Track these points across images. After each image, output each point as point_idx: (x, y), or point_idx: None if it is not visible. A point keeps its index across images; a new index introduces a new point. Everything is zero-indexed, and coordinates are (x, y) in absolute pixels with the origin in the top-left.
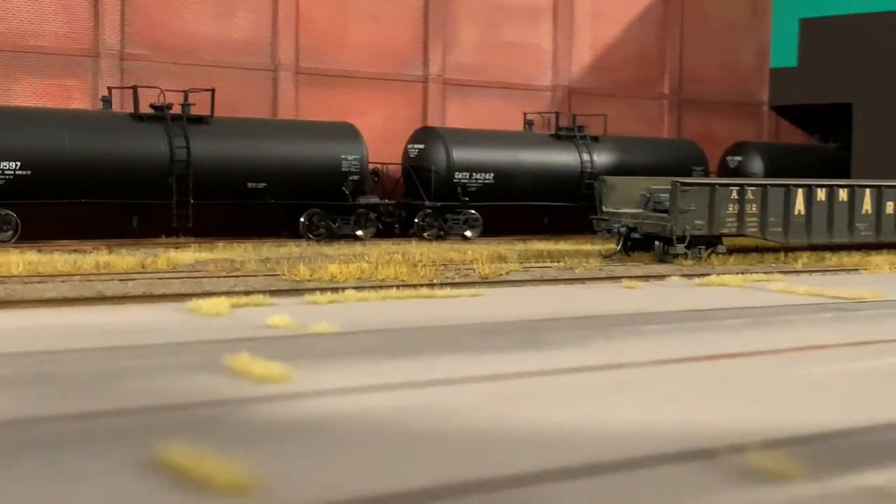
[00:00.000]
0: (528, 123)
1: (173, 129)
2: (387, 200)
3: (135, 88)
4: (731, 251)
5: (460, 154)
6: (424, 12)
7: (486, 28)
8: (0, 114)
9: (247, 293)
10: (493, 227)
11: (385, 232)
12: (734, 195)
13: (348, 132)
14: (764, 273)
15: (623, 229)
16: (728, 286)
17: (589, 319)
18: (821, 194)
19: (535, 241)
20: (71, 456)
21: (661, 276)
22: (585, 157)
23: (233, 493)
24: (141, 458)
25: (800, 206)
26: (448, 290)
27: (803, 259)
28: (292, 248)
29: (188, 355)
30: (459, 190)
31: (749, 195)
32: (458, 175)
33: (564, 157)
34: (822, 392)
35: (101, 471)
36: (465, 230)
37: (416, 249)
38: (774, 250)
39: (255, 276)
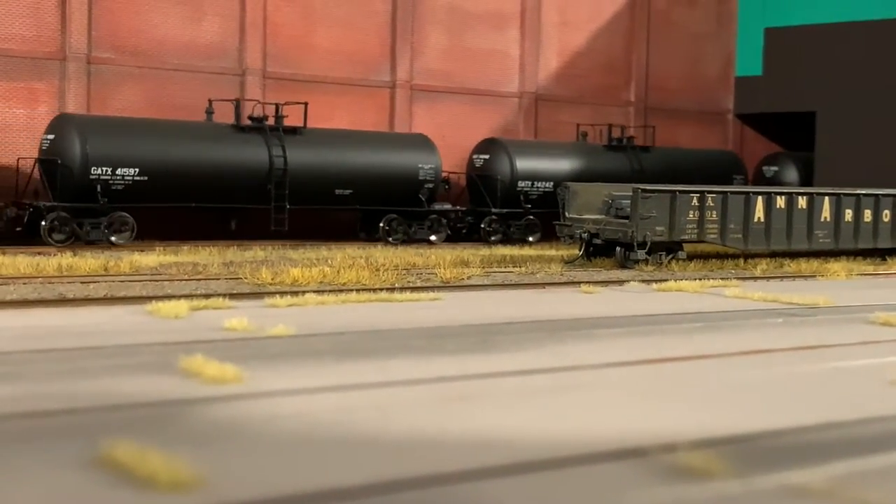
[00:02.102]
0: (583, 135)
1: (271, 139)
2: (457, 207)
3: (237, 102)
4: (692, 257)
5: (523, 164)
6: (392, 18)
7: (453, 34)
8: (122, 125)
9: (207, 296)
10: (551, 232)
11: (453, 236)
12: (694, 202)
13: (424, 143)
14: (722, 279)
15: (585, 235)
16: (685, 291)
17: (542, 323)
18: (780, 202)
19: (501, 247)
20: (15, 452)
21: (620, 282)
22: (636, 166)
23: (174, 490)
24: (86, 455)
25: (759, 213)
26: (407, 294)
27: (762, 265)
28: (257, 252)
29: (143, 356)
30: (522, 198)
31: (709, 202)
32: (520, 184)
33: (616, 167)
34: (760, 394)
35: (44, 467)
36: (528, 236)
37: (380, 254)
38: (735, 257)
39: (217, 279)
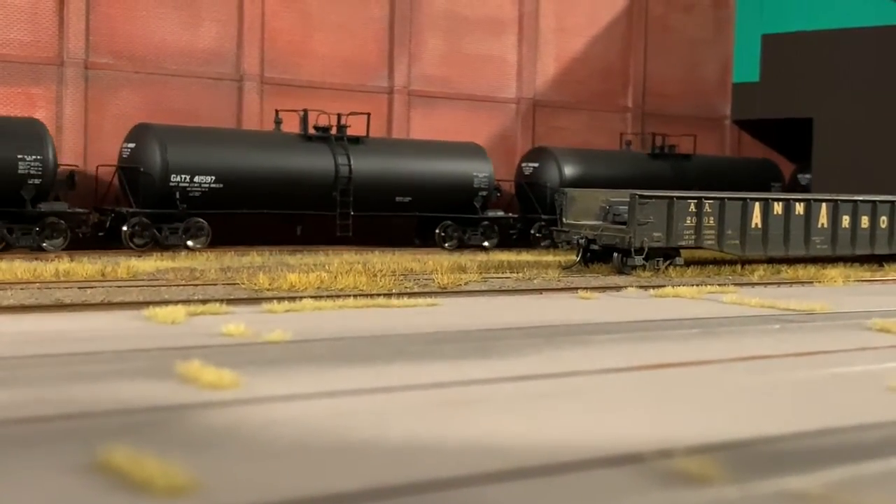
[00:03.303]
0: (627, 143)
1: (336, 148)
2: (509, 214)
3: (305, 112)
4: (689, 263)
5: (571, 171)
6: (389, 24)
7: (451, 40)
8: (198, 134)
9: (204, 302)
10: None
11: (502, 242)
12: (692, 208)
13: (477, 151)
14: (719, 285)
15: (583, 241)
16: (682, 297)
17: (540, 329)
18: (777, 208)
19: (498, 252)
20: (12, 457)
21: (617, 288)
22: (679, 174)
23: (171, 495)
24: (83, 460)
25: (757, 219)
26: (405, 300)
27: (759, 272)
28: (254, 258)
29: (140, 362)
30: None
31: (707, 208)
32: None
33: (660, 174)
34: (757, 400)
35: (42, 471)
36: None
37: (377, 259)
38: (732, 263)
39: (215, 284)
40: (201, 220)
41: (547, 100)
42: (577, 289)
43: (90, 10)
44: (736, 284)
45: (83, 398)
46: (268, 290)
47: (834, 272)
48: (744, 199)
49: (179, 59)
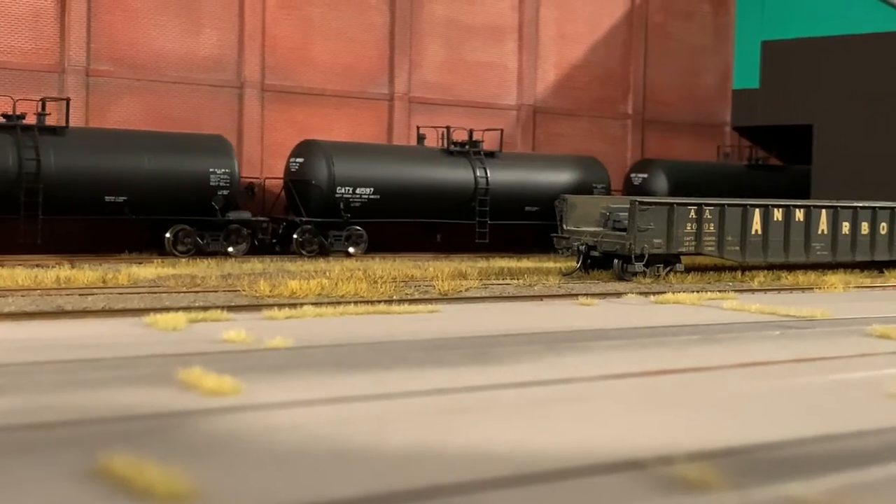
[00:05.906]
0: (724, 155)
1: (475, 162)
2: None
3: (447, 129)
4: (690, 270)
5: (677, 181)
6: (390, 31)
7: (451, 47)
8: (358, 149)
9: (205, 308)
10: None
11: None
12: (692, 214)
13: (595, 163)
14: (719, 291)
15: (583, 247)
16: (683, 304)
17: (540, 335)
18: (777, 214)
19: (498, 259)
20: (13, 464)
21: (618, 294)
22: (774, 184)
23: (172, 502)
24: (84, 466)
25: (757, 225)
26: (405, 306)
27: (759, 278)
28: (255, 265)
29: (141, 369)
30: None
31: (707, 214)
32: None
33: (756, 184)
34: (757, 406)
35: (42, 478)
36: None
37: (378, 266)
38: (732, 269)
39: (216, 291)
40: (360, 228)
41: (547, 106)
42: (577, 295)
43: (91, 17)
44: (736, 291)
45: (84, 405)
46: (268, 296)
47: (834, 278)
48: (744, 206)
49: (180, 67)
